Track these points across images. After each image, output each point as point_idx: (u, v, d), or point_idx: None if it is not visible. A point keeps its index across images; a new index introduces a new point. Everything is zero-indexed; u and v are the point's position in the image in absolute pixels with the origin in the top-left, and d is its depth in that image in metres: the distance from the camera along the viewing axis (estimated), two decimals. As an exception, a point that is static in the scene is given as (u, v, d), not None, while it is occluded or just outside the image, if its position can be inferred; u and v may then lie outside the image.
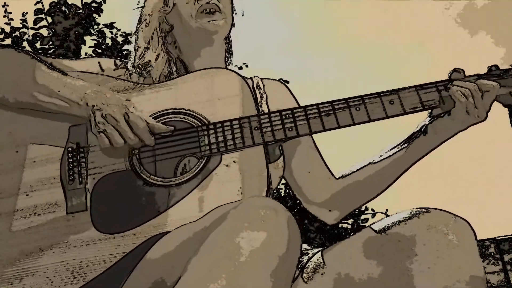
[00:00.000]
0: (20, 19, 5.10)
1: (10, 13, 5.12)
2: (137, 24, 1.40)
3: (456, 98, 1.16)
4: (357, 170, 1.33)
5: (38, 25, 5.14)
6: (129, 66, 1.35)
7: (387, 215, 1.22)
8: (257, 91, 1.35)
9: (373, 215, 6.44)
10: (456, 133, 1.23)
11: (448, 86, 1.18)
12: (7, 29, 5.15)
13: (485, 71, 1.23)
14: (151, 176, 1.11)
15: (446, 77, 1.22)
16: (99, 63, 1.35)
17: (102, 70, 1.33)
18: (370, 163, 1.31)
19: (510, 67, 1.22)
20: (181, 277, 0.85)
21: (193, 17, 1.31)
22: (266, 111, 1.30)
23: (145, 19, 1.38)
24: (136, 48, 1.37)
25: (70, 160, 1.14)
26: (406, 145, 1.27)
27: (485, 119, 1.19)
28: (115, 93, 1.17)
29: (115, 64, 1.37)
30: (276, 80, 1.44)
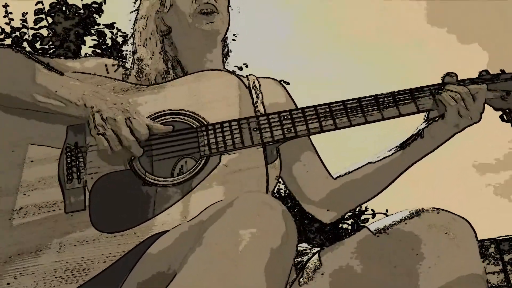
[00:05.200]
0: (20, 19, 5.11)
1: (11, 13, 5.13)
2: (134, 25, 1.39)
3: (446, 102, 1.19)
4: (355, 170, 1.33)
5: (39, 25, 5.14)
6: (128, 66, 1.35)
7: (387, 215, 1.23)
8: (253, 91, 1.35)
9: (373, 215, 6.47)
10: (452, 136, 1.25)
11: (439, 91, 1.21)
12: (8, 29, 5.15)
13: (480, 71, 1.26)
14: (150, 175, 1.11)
15: (442, 78, 1.25)
16: (106, 65, 1.34)
17: (108, 72, 1.32)
18: (368, 163, 1.32)
19: (500, 72, 1.25)
20: (178, 273, 0.85)
21: (190, 17, 1.31)
22: (262, 110, 1.30)
23: (142, 22, 1.37)
24: (134, 50, 1.36)
25: (69, 160, 1.14)
26: (403, 147, 1.29)
27: (479, 120, 1.22)
28: (114, 94, 1.16)
29: (114, 65, 1.36)
30: (271, 78, 1.44)
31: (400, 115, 1.18)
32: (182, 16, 1.32)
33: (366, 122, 1.17)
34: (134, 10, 1.42)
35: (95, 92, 1.14)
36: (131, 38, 1.39)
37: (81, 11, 5.29)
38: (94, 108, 1.10)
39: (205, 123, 1.16)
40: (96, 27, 5.37)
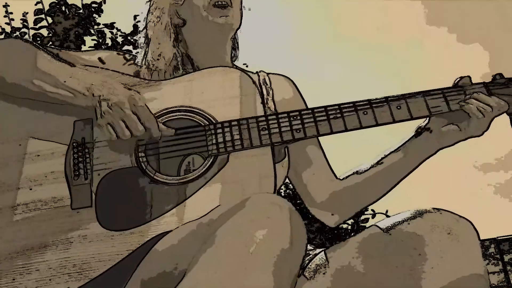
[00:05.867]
0: (21, 19, 5.10)
1: (11, 13, 5.12)
2: (147, 16, 1.38)
3: (473, 114, 1.17)
4: (359, 173, 1.33)
5: (39, 25, 5.14)
6: (139, 61, 1.34)
7: (387, 216, 1.23)
8: (263, 87, 1.34)
9: (373, 216, 6.45)
10: (456, 143, 1.24)
11: (466, 100, 1.18)
12: (8, 29, 5.15)
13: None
14: (157, 173, 1.11)
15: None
16: (99, 58, 1.33)
17: (104, 64, 1.31)
18: (371, 166, 1.31)
19: None
20: (187, 273, 0.85)
21: (205, 10, 1.30)
22: (272, 107, 1.30)
23: (156, 14, 1.36)
24: (146, 42, 1.35)
25: (75, 156, 1.13)
26: (406, 150, 1.28)
27: (481, 135, 1.21)
28: (122, 84, 1.15)
29: (125, 59, 1.36)
30: (282, 75, 1.43)
31: (412, 118, 1.17)
32: (196, 9, 1.31)
33: (377, 125, 1.16)
34: (148, 1, 1.41)
35: (104, 82, 1.13)
36: (144, 30, 1.38)
37: (81, 11, 5.27)
38: (101, 97, 1.10)
39: (213, 121, 1.15)
40: (96, 27, 5.36)
